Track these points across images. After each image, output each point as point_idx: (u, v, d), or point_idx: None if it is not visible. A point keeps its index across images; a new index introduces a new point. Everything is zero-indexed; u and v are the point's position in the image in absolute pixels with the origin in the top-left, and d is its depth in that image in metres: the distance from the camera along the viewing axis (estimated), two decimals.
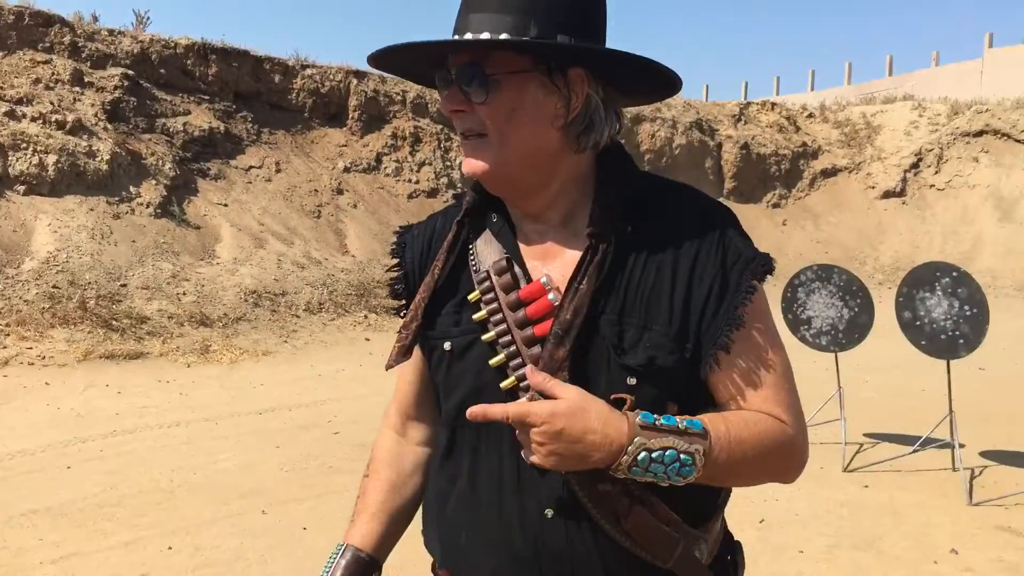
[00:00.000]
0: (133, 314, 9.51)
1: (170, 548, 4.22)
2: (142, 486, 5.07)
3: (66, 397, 7.32)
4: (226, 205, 12.68)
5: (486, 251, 1.35)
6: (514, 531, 1.28)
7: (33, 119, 11.51)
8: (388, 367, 1.38)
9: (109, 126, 12.27)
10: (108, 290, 9.84)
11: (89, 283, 9.80)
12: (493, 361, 1.29)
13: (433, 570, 1.44)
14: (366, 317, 10.91)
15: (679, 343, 1.24)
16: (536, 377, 1.20)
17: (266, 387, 7.97)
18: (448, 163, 15.75)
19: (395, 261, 1.48)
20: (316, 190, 13.93)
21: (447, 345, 1.33)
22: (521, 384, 1.26)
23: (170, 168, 12.41)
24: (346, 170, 14.75)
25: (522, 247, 1.34)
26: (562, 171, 1.30)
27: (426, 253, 1.43)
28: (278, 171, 13.86)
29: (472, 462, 1.32)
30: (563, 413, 1.16)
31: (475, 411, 1.19)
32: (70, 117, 11.82)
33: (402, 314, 1.41)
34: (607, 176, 1.32)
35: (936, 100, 23.63)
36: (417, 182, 15.33)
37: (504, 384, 1.27)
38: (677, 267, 1.26)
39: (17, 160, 11.01)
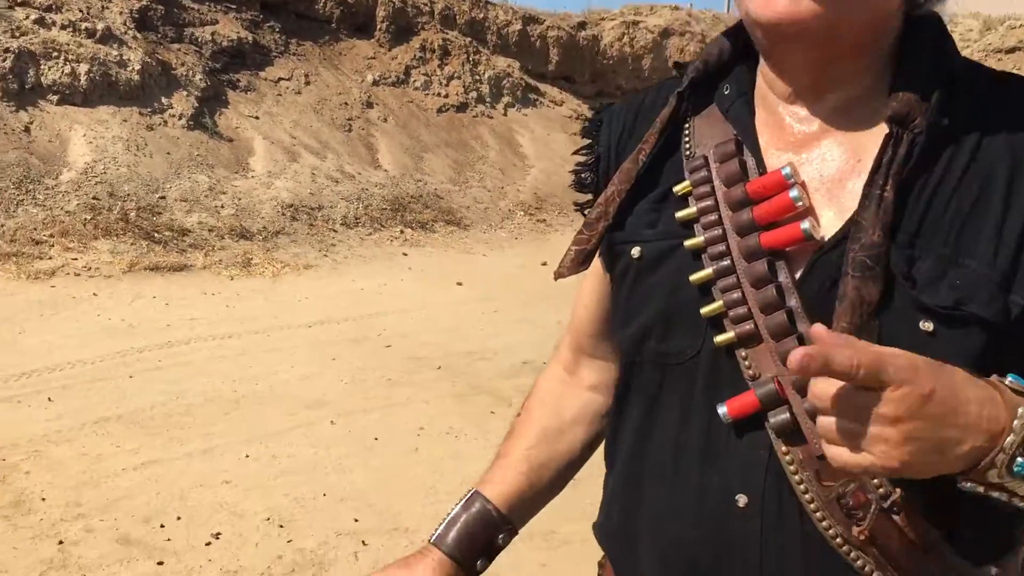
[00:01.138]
0: (174, 226, 9.50)
1: (247, 456, 4.27)
2: (207, 395, 5.12)
3: (115, 308, 7.35)
4: (257, 118, 12.56)
5: (707, 132, 1.02)
6: (686, 517, 0.94)
7: (63, 27, 11.34)
8: (558, 276, 1.10)
9: (138, 35, 12.09)
10: (147, 202, 9.81)
11: (128, 195, 9.78)
12: (695, 276, 0.95)
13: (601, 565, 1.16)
14: (402, 232, 10.87)
15: (1003, 290, 0.84)
16: (833, 338, 0.74)
17: (311, 300, 7.99)
18: (477, 77, 15.50)
19: (586, 142, 1.15)
20: (346, 103, 13.77)
21: (635, 251, 1.01)
22: (731, 312, 0.93)
23: (200, 79, 12.26)
24: (375, 83, 14.54)
25: (761, 132, 0.98)
26: (884, 35, 0.93)
27: (628, 134, 1.10)
28: (307, 83, 13.68)
29: (645, 415, 1.00)
30: (927, 369, 0.74)
31: (805, 356, 0.71)
32: (99, 25, 11.63)
33: (586, 211, 1.10)
34: (917, 49, 0.93)
35: (967, 15, 23.02)
36: (446, 96, 15.12)
37: (706, 310, 0.94)
38: (1014, 183, 0.87)
39: (49, 69, 10.87)
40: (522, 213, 11.82)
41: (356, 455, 4.35)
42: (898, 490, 0.84)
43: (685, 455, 0.95)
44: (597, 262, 1.11)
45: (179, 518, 3.67)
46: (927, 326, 0.84)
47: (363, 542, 3.56)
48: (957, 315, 0.83)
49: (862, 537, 0.84)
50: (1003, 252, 0.85)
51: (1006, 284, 0.84)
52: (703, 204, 0.97)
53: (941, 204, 0.88)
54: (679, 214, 0.99)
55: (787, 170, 0.93)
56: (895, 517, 0.84)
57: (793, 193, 0.91)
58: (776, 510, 0.89)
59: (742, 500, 0.91)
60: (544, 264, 9.55)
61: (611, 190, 1.04)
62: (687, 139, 1.03)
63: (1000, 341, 0.84)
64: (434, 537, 1.13)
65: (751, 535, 0.90)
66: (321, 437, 4.56)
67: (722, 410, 0.91)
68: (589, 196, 1.13)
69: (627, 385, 1.05)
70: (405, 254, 10.22)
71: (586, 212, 1.11)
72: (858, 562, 0.86)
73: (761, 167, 0.96)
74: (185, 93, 12.03)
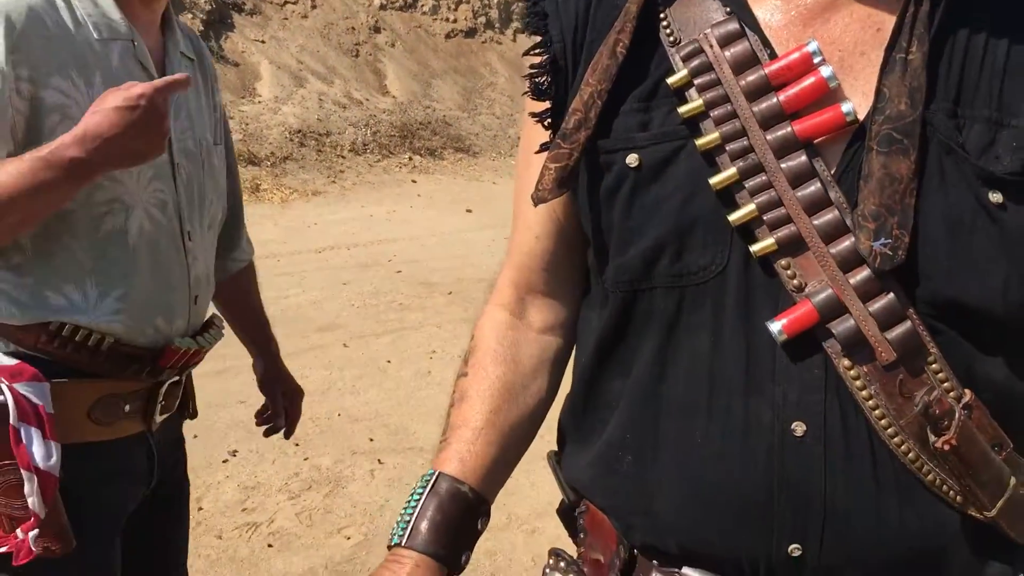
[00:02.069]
0: None
1: None
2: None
3: None
4: (263, 42, 12.38)
5: (688, 15, 0.88)
6: (731, 455, 0.83)
7: None
8: (539, 200, 0.90)
9: None
10: None
11: None
12: (716, 179, 0.82)
13: (563, 510, 1.01)
14: (411, 159, 10.81)
15: None
16: None
17: (320, 226, 7.97)
18: (486, 2, 15.23)
19: (537, 39, 0.94)
20: (353, 28, 13.56)
21: (631, 159, 0.86)
22: (766, 216, 0.81)
23: (205, 2, 12.06)
24: (382, 7, 14.30)
25: (756, 7, 0.86)
26: None
27: (584, 25, 0.92)
28: (313, 7, 13.46)
29: (664, 345, 0.86)
30: None
31: None
32: None
33: (546, 123, 0.94)
34: None
35: None
36: (455, 21, 14.87)
37: (735, 217, 0.81)
38: None
39: None
40: None
41: (369, 377, 4.38)
42: (968, 391, 0.80)
43: (721, 387, 0.83)
44: None
45: (195, 436, 3.71)
46: (996, 197, 0.77)
47: (379, 460, 3.61)
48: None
49: (947, 447, 0.78)
50: None
51: None
52: (710, 95, 0.84)
53: (975, 64, 0.80)
54: (682, 109, 0.84)
55: (813, 45, 0.81)
56: (970, 420, 0.79)
57: (826, 72, 0.79)
58: (840, 434, 0.80)
59: (799, 429, 0.80)
60: None
61: (588, 92, 0.87)
62: (666, 25, 0.88)
63: None
64: (400, 538, 0.92)
65: (813, 465, 0.81)
66: (334, 359, 4.59)
67: (775, 327, 0.80)
68: (547, 104, 0.94)
69: (627, 317, 0.89)
70: (414, 181, 10.17)
71: (546, 123, 0.94)
72: (929, 476, 0.80)
73: (768, 47, 0.84)
74: (190, 16, 11.84)
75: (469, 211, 8.36)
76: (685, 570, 0.88)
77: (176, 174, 1.42)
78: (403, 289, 5.89)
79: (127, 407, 1.40)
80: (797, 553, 0.82)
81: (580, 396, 0.96)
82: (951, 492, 0.80)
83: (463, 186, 9.78)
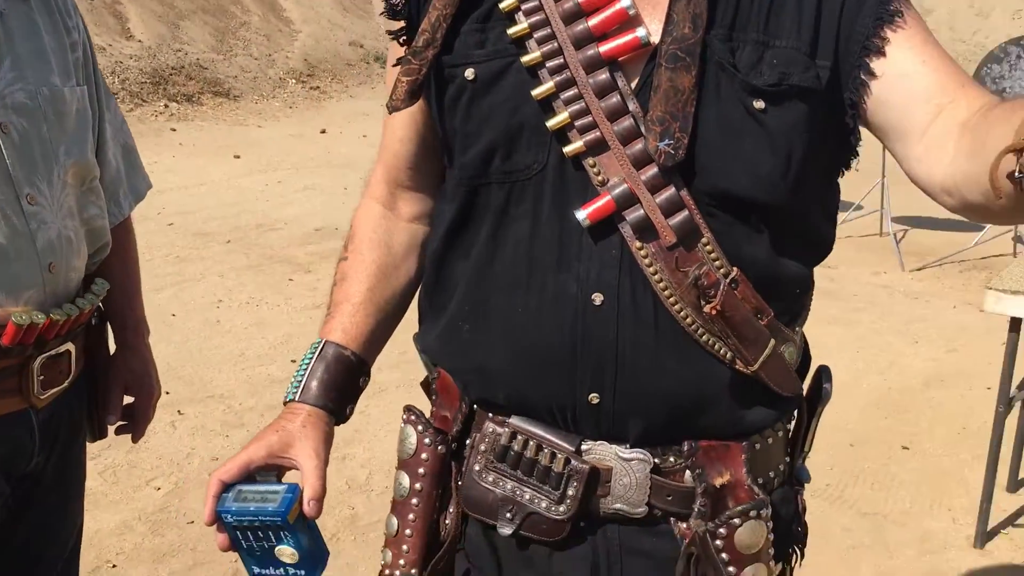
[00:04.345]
0: None
1: None
2: None
3: None
4: None
5: None
6: (544, 321, 1.01)
7: None
8: (393, 109, 1.06)
9: None
10: None
11: None
12: (537, 91, 0.98)
13: (424, 382, 1.19)
14: (166, 106, 10.27)
15: (811, 59, 0.96)
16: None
17: None
18: None
19: None
20: None
21: (469, 73, 1.01)
22: (576, 122, 0.97)
23: None
24: None
25: None
26: None
27: None
28: None
29: (495, 231, 1.03)
30: None
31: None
32: None
33: (401, 39, 1.10)
34: None
35: None
36: None
37: (552, 123, 0.97)
38: None
39: None
40: (294, 81, 11.44)
41: (156, 332, 4.21)
42: (735, 268, 0.97)
43: (538, 264, 1.00)
44: None
45: None
46: (759, 104, 0.94)
47: (179, 411, 3.58)
48: (783, 90, 0.95)
49: (714, 312, 0.95)
50: (804, 26, 0.96)
51: (812, 54, 0.96)
52: (534, 19, 0.99)
53: None
54: (511, 31, 1.00)
55: None
56: (735, 291, 0.97)
57: (625, 2, 0.96)
58: (631, 303, 0.98)
59: (598, 299, 0.98)
60: (323, 132, 9.39)
61: (435, 15, 1.02)
62: None
63: (816, 109, 0.96)
64: (294, 395, 1.11)
65: (608, 328, 0.98)
66: None
67: (581, 215, 0.96)
68: (402, 23, 1.10)
69: (469, 208, 1.05)
70: (173, 129, 9.69)
71: (401, 40, 1.10)
72: (703, 337, 0.99)
73: None
74: None
75: (237, 157, 8.12)
76: (512, 419, 1.07)
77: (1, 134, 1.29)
78: (178, 241, 5.71)
79: None
80: (596, 401, 1.02)
81: (431, 278, 1.13)
82: (721, 349, 1.00)
83: (227, 132, 9.46)
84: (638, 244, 0.98)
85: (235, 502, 1.04)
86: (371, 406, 3.68)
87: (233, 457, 1.08)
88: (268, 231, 6.07)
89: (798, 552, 1.14)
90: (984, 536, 2.83)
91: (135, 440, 1.71)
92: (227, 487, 1.06)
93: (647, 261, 0.98)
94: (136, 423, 1.69)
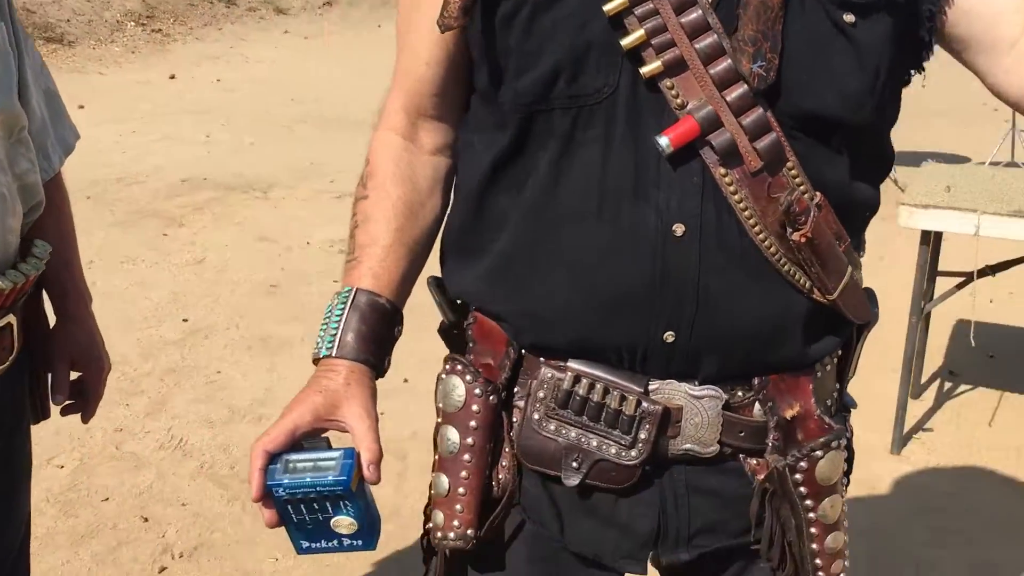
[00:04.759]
0: None
1: None
2: None
3: None
4: None
5: None
6: (619, 255, 0.93)
7: None
8: (445, 28, 0.94)
9: None
10: None
11: None
12: (610, 6, 0.88)
13: (444, 329, 1.12)
14: None
15: None
16: None
17: None
18: None
19: None
20: None
21: None
22: (653, 41, 0.89)
23: None
24: None
25: None
26: None
27: None
28: None
29: (558, 159, 0.94)
30: None
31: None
32: None
33: None
34: None
35: None
36: None
37: (627, 41, 0.89)
38: None
39: None
40: (132, 24, 10.68)
41: None
42: (818, 193, 0.94)
43: (611, 194, 0.93)
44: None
45: None
46: (848, 18, 0.89)
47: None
48: (872, 2, 0.90)
49: (803, 240, 0.91)
50: None
51: None
52: None
53: None
54: None
55: None
56: (819, 217, 0.93)
57: None
58: (714, 232, 0.93)
59: (679, 230, 0.92)
60: (173, 77, 8.86)
61: None
62: None
63: (900, 22, 0.92)
64: (330, 350, 1.00)
65: (689, 262, 0.93)
66: None
67: (663, 141, 0.90)
68: None
69: (523, 136, 0.96)
70: None
71: None
72: (785, 267, 0.95)
73: None
74: None
75: (81, 107, 7.55)
76: (571, 362, 1.00)
77: None
78: None
79: None
80: (671, 339, 0.96)
81: (468, 215, 1.04)
82: (801, 279, 0.96)
83: (66, 80, 8.75)
84: (722, 170, 0.92)
85: (286, 474, 0.94)
86: (279, 363, 3.53)
87: (275, 424, 0.97)
88: (130, 184, 5.68)
89: (847, 478, 1.13)
90: (900, 442, 2.96)
91: (85, 421, 1.56)
92: (272, 458, 0.95)
93: (732, 188, 0.92)
94: (87, 402, 1.53)
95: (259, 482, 0.94)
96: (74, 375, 1.50)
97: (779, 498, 1.01)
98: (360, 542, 0.98)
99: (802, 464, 0.99)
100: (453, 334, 1.12)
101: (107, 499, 2.69)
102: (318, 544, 0.99)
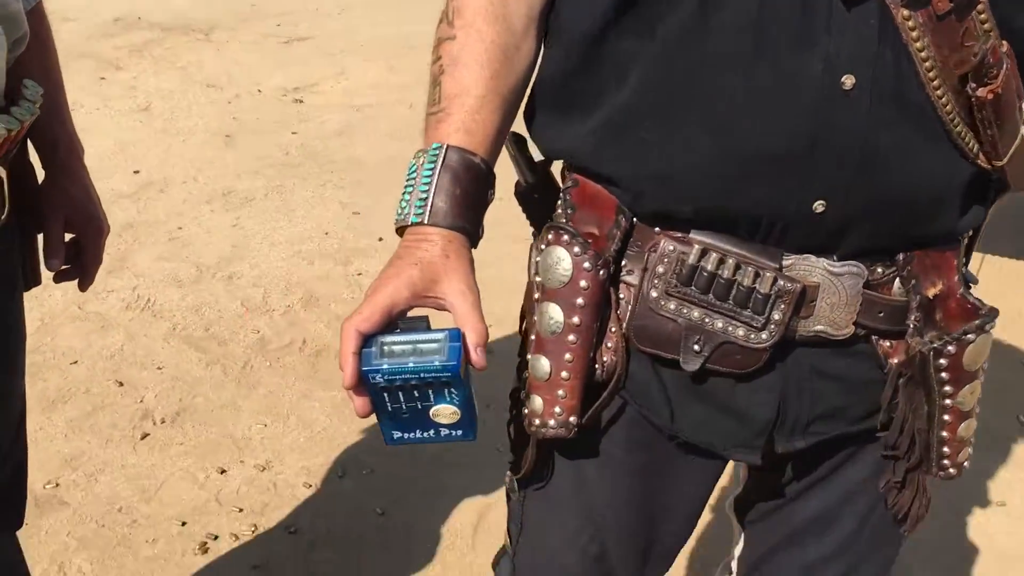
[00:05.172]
0: None
1: None
2: None
3: None
4: None
5: None
6: (774, 110, 0.81)
7: None
8: None
9: None
10: None
11: None
12: None
13: (522, 192, 1.02)
14: None
15: None
16: None
17: None
18: None
19: None
20: None
21: None
22: None
23: None
24: None
25: None
26: None
27: None
28: None
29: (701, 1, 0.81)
30: None
31: None
32: None
33: None
34: None
35: None
36: None
37: None
38: None
39: None
40: None
41: None
42: (1005, 42, 0.82)
43: (769, 39, 0.80)
44: None
45: None
46: None
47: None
48: None
49: (991, 96, 0.80)
50: None
51: None
52: None
53: None
54: None
55: None
56: (1009, 64, 0.82)
57: None
58: (889, 86, 0.81)
59: (848, 82, 0.80)
60: None
61: None
62: None
63: None
64: (421, 216, 0.86)
65: (857, 119, 0.81)
66: None
67: None
68: None
69: None
70: None
71: None
72: (958, 128, 0.84)
73: None
74: None
75: None
76: (694, 234, 0.89)
77: None
78: None
79: None
80: (820, 209, 0.85)
81: (575, 61, 0.90)
82: (971, 143, 0.85)
83: None
84: (905, 12, 0.78)
85: (384, 358, 0.82)
86: (242, 217, 3.34)
87: (368, 301, 0.83)
88: (58, 23, 5.23)
89: None
90: None
91: (83, 288, 1.38)
92: (366, 340, 0.83)
93: (915, 34, 0.79)
94: (85, 266, 1.36)
95: (353, 368, 0.82)
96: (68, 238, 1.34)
97: (915, 383, 0.93)
98: (460, 432, 0.88)
99: (950, 348, 0.90)
100: (533, 198, 1.01)
101: (76, 362, 2.55)
102: (412, 435, 0.89)
